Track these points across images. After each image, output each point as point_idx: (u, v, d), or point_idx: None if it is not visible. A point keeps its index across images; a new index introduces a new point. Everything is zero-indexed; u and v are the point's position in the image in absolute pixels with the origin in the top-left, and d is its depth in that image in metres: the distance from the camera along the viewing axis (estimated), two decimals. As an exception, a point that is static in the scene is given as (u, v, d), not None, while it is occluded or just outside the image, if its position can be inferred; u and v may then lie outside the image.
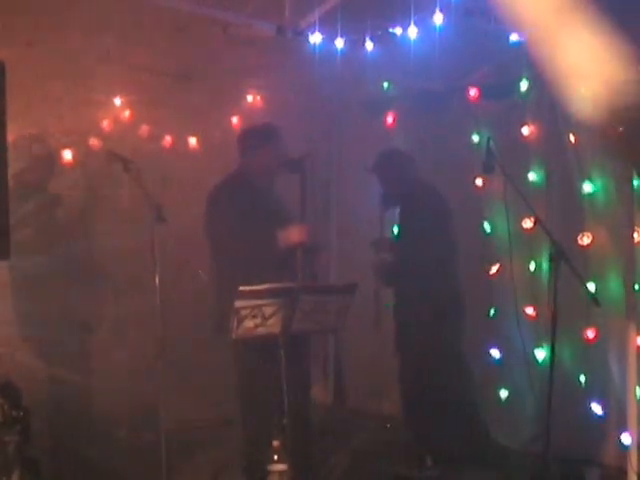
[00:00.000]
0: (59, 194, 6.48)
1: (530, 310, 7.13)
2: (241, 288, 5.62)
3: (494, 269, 7.34)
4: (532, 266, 7.12)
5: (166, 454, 5.91)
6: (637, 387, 6.12)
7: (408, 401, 6.85)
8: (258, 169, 6.14)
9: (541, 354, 7.00)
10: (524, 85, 7.03)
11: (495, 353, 7.36)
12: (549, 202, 6.94)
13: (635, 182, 6.31)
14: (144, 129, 8.56)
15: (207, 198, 6.12)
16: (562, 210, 6.88)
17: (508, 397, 7.27)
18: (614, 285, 6.55)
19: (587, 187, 6.70)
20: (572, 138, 6.74)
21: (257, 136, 6.22)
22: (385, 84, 7.79)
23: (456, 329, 6.77)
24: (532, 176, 7.09)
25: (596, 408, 6.68)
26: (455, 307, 6.80)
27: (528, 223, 6.97)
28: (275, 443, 6.22)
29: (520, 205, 6.77)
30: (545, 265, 6.98)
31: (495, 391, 7.32)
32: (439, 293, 6.61)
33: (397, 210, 6.99)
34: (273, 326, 5.58)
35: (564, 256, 5.70)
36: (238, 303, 5.49)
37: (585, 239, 6.68)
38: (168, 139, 8.76)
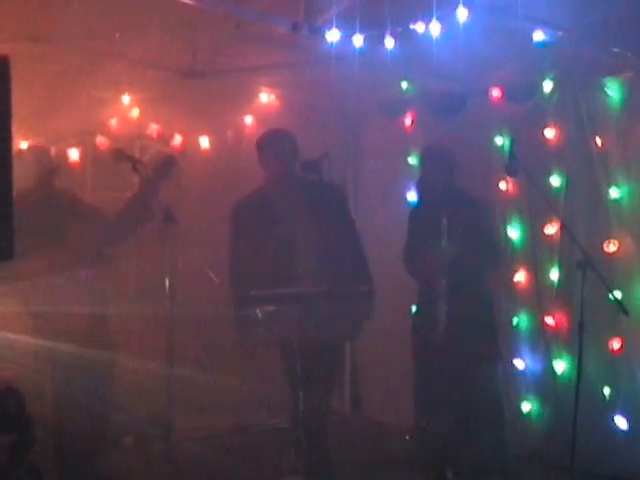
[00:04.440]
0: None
1: (550, 320, 6.89)
2: (253, 293, 5.48)
3: (518, 276, 7.09)
4: (553, 274, 6.89)
5: (176, 464, 5.76)
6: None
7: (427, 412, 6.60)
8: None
9: (561, 365, 6.78)
10: (548, 86, 6.84)
11: (519, 364, 7.13)
12: (570, 207, 6.73)
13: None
14: (153, 128, 8.39)
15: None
16: (586, 216, 6.67)
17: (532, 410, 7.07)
18: (640, 294, 6.37)
19: (614, 193, 6.49)
20: (598, 141, 6.53)
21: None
22: (404, 84, 7.57)
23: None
24: (553, 180, 6.85)
25: (620, 422, 6.46)
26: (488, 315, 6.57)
27: (551, 229, 6.77)
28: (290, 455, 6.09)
29: (540, 210, 6.64)
30: (562, 273, 6.82)
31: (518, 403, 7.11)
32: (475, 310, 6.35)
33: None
34: (286, 332, 5.42)
35: (591, 263, 5.53)
36: (250, 309, 5.35)
37: (611, 246, 6.47)
38: (178, 139, 8.58)
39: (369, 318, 5.91)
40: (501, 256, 6.73)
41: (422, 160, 6.78)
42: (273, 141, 6.21)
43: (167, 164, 5.99)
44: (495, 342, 6.51)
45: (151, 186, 5.77)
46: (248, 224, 6.07)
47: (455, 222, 6.24)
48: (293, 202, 6.07)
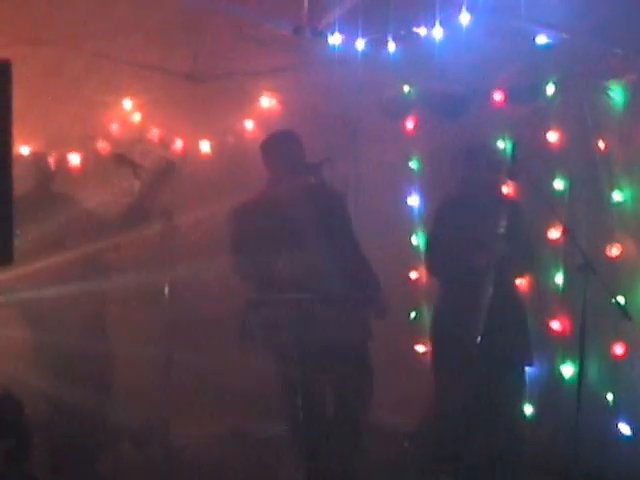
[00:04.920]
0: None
1: (555, 324, 6.85)
2: (253, 297, 5.44)
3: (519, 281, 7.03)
4: (557, 278, 6.85)
5: (175, 471, 5.76)
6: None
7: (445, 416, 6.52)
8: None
9: (568, 370, 6.73)
10: (550, 88, 6.79)
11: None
12: (573, 211, 6.69)
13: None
14: (154, 132, 8.35)
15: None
16: (588, 219, 6.63)
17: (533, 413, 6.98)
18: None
19: (617, 196, 6.47)
20: (601, 144, 6.50)
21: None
22: (406, 87, 7.54)
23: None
24: (556, 184, 6.82)
25: (624, 428, 6.43)
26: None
27: (554, 233, 6.73)
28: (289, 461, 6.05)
29: (542, 214, 6.60)
30: (566, 277, 6.78)
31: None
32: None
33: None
34: (287, 338, 5.38)
35: (592, 268, 5.49)
36: (249, 313, 5.31)
37: (614, 250, 6.43)
38: (179, 143, 8.54)
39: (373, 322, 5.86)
40: (535, 258, 6.63)
41: (467, 157, 6.53)
42: (278, 143, 6.10)
43: (166, 169, 5.95)
44: (528, 347, 6.43)
45: (150, 191, 5.73)
46: (249, 226, 5.98)
47: (500, 221, 6.15)
48: (296, 205, 5.98)
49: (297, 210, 5.88)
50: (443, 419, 6.43)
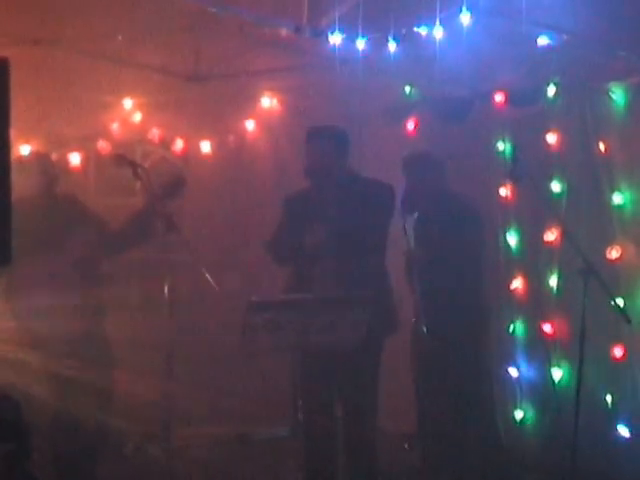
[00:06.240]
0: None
1: (547, 327, 6.84)
2: (253, 299, 5.42)
3: (515, 283, 7.03)
4: (552, 281, 6.84)
5: (175, 472, 5.72)
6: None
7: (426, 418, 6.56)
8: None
9: (558, 373, 6.74)
10: (551, 90, 6.78)
11: (513, 372, 7.09)
12: (573, 213, 6.67)
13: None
14: (155, 133, 8.34)
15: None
16: (588, 222, 6.61)
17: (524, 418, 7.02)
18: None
19: (617, 198, 6.45)
20: (602, 146, 6.49)
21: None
22: (407, 88, 7.53)
23: (480, 346, 6.50)
24: (555, 186, 6.80)
25: (623, 430, 6.42)
26: (479, 323, 6.55)
27: (551, 236, 6.72)
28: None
29: (540, 216, 6.59)
30: (561, 280, 6.78)
31: (512, 410, 7.08)
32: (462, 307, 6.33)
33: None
34: (288, 341, 5.35)
35: (594, 271, 5.47)
36: (250, 316, 5.28)
37: (614, 253, 6.41)
38: (180, 143, 8.53)
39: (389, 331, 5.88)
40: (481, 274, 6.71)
41: (405, 168, 6.73)
42: (314, 136, 5.90)
43: (176, 185, 5.90)
44: (479, 352, 6.48)
45: (157, 205, 5.67)
46: (288, 217, 5.93)
47: (437, 227, 6.26)
48: (328, 202, 5.83)
49: (328, 207, 5.81)
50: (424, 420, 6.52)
